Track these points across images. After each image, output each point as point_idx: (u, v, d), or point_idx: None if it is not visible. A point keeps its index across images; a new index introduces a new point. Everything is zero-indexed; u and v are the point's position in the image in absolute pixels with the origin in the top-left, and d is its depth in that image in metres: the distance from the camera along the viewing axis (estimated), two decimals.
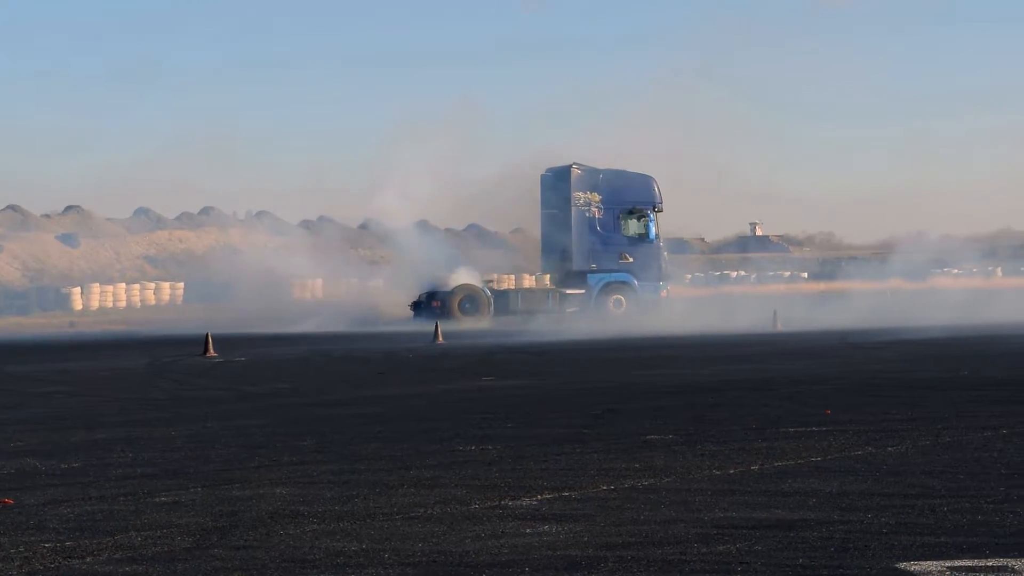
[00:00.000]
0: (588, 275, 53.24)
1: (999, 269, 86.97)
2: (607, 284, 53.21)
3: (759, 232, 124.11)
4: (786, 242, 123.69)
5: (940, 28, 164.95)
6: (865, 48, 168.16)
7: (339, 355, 33.08)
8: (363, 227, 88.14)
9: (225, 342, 36.69)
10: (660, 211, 53.74)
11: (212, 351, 32.38)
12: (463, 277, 53.90)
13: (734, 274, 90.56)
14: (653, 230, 53.61)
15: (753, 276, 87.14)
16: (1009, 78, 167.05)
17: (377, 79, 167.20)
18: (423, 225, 64.50)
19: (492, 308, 53.19)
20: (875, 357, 27.46)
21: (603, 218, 53.39)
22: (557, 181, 54.48)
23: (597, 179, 53.83)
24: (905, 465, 11.65)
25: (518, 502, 10.17)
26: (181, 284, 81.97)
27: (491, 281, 55.67)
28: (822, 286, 69.69)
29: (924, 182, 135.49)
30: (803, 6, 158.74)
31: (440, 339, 36.85)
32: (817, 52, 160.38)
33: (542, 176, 55.21)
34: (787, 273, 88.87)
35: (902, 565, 7.81)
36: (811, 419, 15.36)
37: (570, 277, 53.69)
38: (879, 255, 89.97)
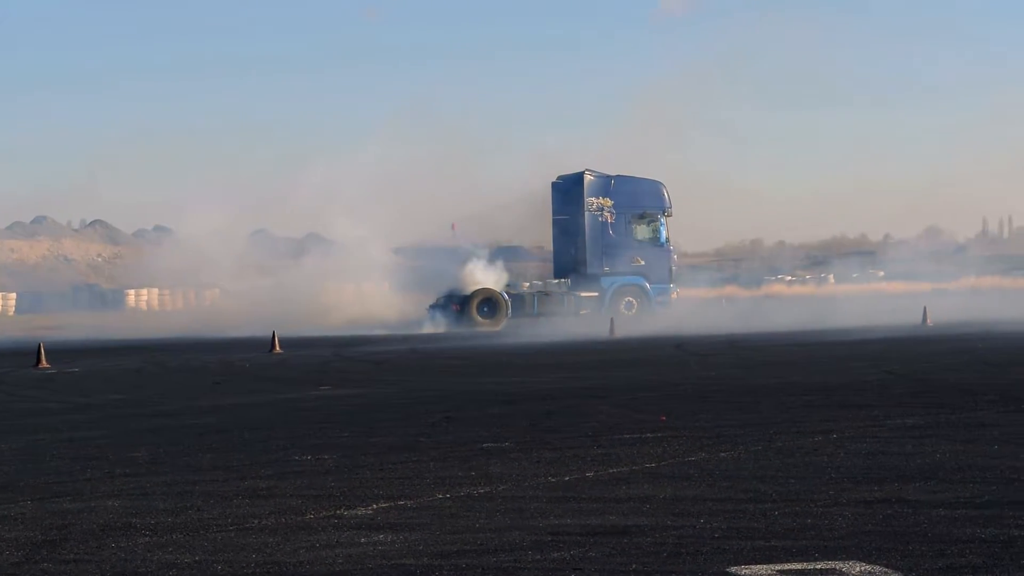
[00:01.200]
0: (601, 278, 54.44)
1: (831, 276, 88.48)
2: (620, 287, 54.50)
3: None
4: None
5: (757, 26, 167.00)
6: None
7: (175, 365, 32.69)
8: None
9: (58, 353, 36.08)
10: (670, 215, 55.05)
11: (45, 362, 31.81)
12: (481, 281, 54.33)
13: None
14: (664, 234, 55.00)
15: None
16: (843, 77, 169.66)
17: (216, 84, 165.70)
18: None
19: (509, 311, 53.88)
20: (710, 363, 27.78)
21: (615, 223, 54.62)
22: (570, 187, 55.46)
23: (609, 185, 55.00)
24: (738, 470, 11.81)
25: (353, 511, 10.14)
26: (13, 295, 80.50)
27: (512, 286, 55.72)
28: None
29: (762, 190, 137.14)
30: None
31: (278, 348, 36.58)
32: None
33: (553, 183, 56.27)
34: None
35: (733, 569, 7.93)
36: (646, 425, 15.51)
37: (584, 280, 54.64)
38: (715, 262, 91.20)
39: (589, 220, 54.41)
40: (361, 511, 10.16)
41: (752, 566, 7.99)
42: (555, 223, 55.97)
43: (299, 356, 34.63)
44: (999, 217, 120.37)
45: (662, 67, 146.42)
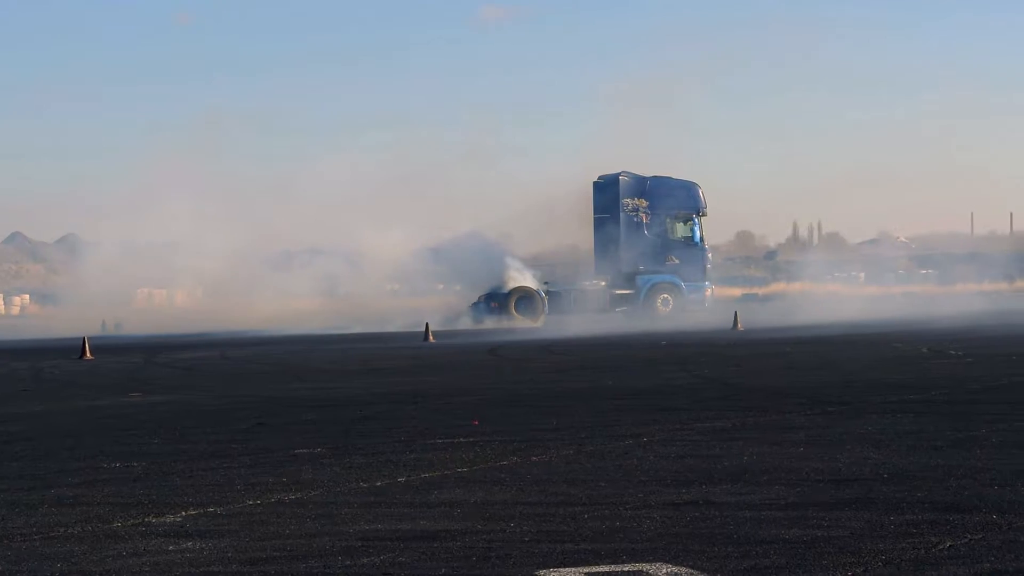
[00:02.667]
0: (637, 276, 56.49)
1: None
2: (655, 285, 56.44)
3: None
4: None
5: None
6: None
7: None
8: (8, 241, 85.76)
9: None
10: (704, 215, 57.16)
11: None
12: (520, 279, 56.84)
13: None
14: (698, 233, 57.00)
15: None
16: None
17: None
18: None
19: (546, 308, 56.19)
20: (524, 368, 27.93)
21: (650, 222, 56.75)
22: (607, 188, 57.51)
23: (644, 186, 57.10)
24: (548, 474, 11.89)
25: (162, 519, 10.02)
26: None
27: (551, 284, 58.29)
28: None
29: None
30: None
31: (88, 355, 35.98)
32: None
33: (594, 183, 58.26)
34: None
35: (541, 572, 7.98)
36: (459, 430, 15.54)
37: (620, 278, 56.72)
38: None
39: (625, 220, 56.60)
40: (170, 518, 10.04)
41: (560, 569, 8.05)
42: (595, 222, 58.08)
43: (109, 363, 34.10)
44: (808, 222, 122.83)
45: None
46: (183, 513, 10.26)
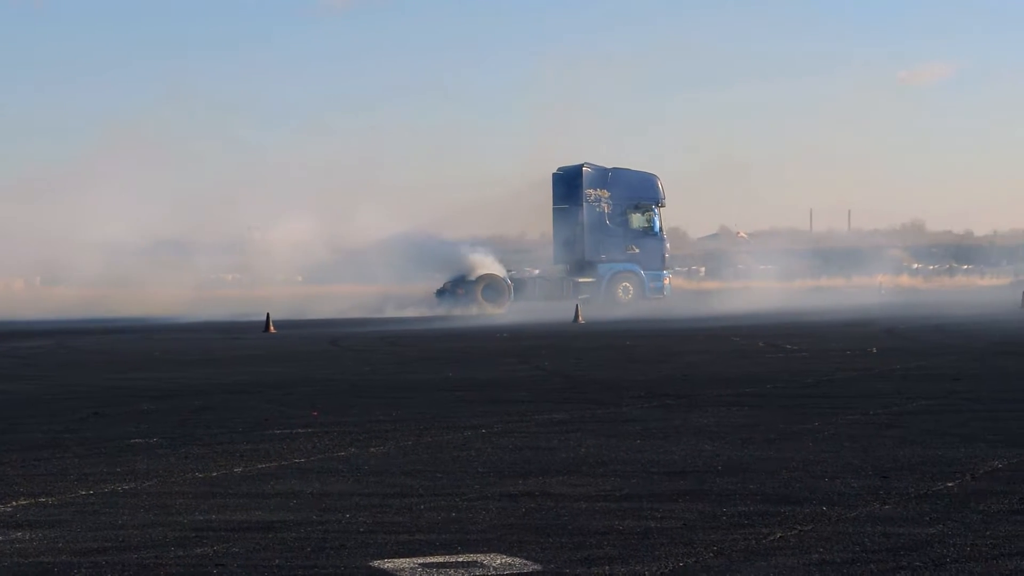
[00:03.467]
0: (599, 265, 57.60)
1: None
2: (616, 273, 57.67)
3: None
4: None
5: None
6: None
7: None
8: None
9: None
10: (663, 207, 58.48)
11: None
12: (486, 267, 57.20)
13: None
14: (657, 224, 58.37)
15: None
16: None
17: None
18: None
19: (512, 295, 56.85)
20: (364, 359, 27.85)
21: (611, 213, 57.77)
22: (569, 179, 58.53)
23: (606, 177, 58.14)
24: (386, 465, 11.88)
25: None
26: None
27: (515, 271, 59.19)
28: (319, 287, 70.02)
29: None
30: None
31: None
32: None
33: (554, 174, 59.29)
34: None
35: (376, 563, 7.98)
36: (298, 421, 15.48)
37: (583, 267, 57.84)
38: None
39: (587, 210, 57.56)
40: (0, 509, 9.88)
41: (396, 560, 8.06)
42: (555, 212, 59.26)
43: None
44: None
45: None
46: (14, 503, 10.10)
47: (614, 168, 58.78)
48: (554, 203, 59.53)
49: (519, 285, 57.89)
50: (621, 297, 57.34)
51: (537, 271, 60.05)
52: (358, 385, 20.91)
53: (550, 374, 22.61)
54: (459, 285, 56.89)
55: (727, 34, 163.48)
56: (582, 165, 58.46)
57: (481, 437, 13.75)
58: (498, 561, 7.98)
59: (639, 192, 58.51)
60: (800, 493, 10.07)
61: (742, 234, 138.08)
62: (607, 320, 45.60)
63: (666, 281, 58.90)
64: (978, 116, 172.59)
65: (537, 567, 7.86)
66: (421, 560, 8.03)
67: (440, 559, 8.06)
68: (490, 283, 56.91)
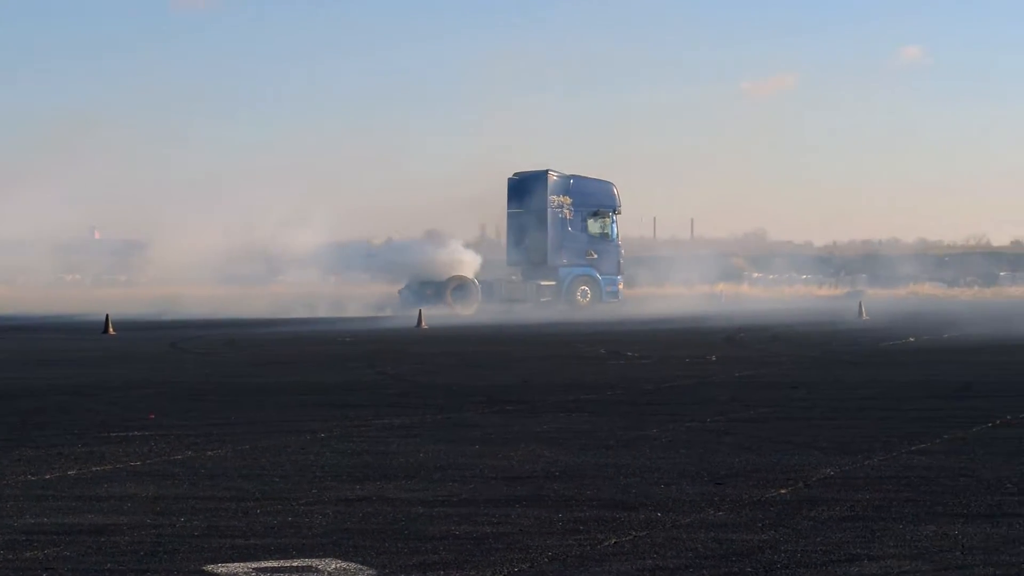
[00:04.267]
0: (560, 268, 59.63)
1: None
2: (576, 277, 59.71)
3: None
4: None
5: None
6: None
7: None
8: None
9: None
10: (619, 213, 60.60)
11: None
12: (455, 268, 59.17)
13: None
14: (614, 230, 60.48)
15: None
16: None
17: None
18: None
19: (480, 296, 58.76)
20: (205, 362, 27.59)
21: (572, 219, 59.79)
22: (531, 184, 60.33)
23: (568, 184, 60.07)
24: (223, 469, 11.79)
25: None
26: None
27: (482, 274, 60.47)
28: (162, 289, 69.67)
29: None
30: None
31: None
32: None
33: (512, 180, 61.04)
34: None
35: (209, 567, 7.91)
36: (135, 424, 15.29)
37: (544, 270, 59.71)
38: None
39: (551, 215, 59.46)
40: None
41: (229, 564, 8.00)
42: (510, 217, 61.15)
43: None
44: (496, 225, 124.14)
45: None
46: None
47: (575, 176, 60.69)
48: (508, 207, 61.20)
49: (486, 287, 59.56)
50: (579, 300, 59.22)
51: (496, 275, 61.32)
52: (196, 388, 20.70)
53: (392, 379, 22.57)
54: (428, 286, 58.35)
55: (569, 41, 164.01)
56: (546, 171, 60.10)
57: (320, 441, 13.69)
58: (333, 566, 7.95)
59: (598, 199, 60.45)
60: (636, 499, 10.16)
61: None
62: (450, 326, 45.63)
63: (620, 286, 61.04)
64: (820, 127, 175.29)
65: (372, 572, 7.85)
66: (255, 564, 7.98)
67: (274, 563, 8.02)
68: (460, 284, 58.63)
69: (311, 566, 7.95)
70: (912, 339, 33.95)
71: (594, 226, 60.33)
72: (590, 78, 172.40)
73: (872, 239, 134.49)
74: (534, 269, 59.97)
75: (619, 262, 60.93)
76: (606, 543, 8.58)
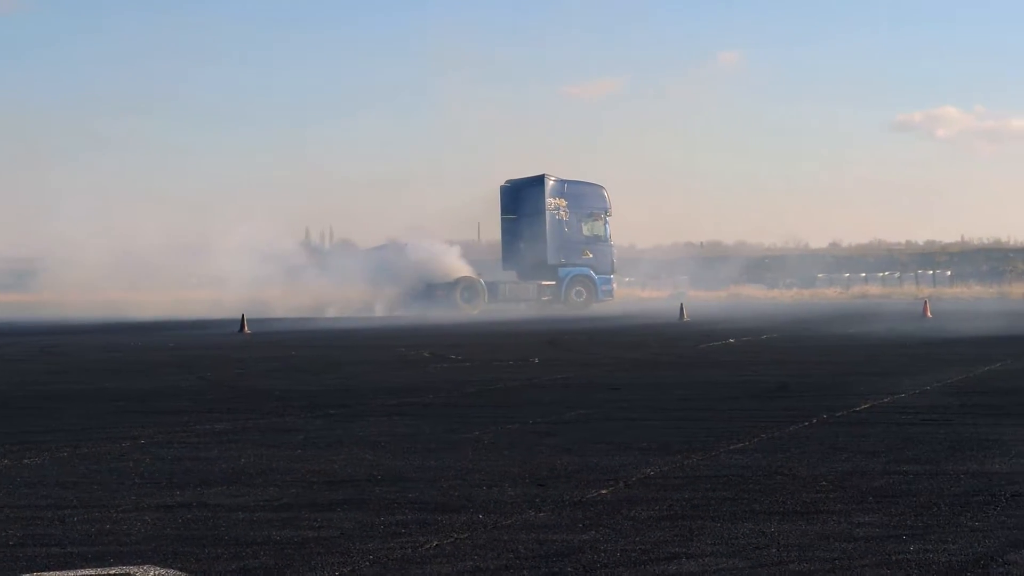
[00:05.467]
0: (559, 269, 63.64)
1: None
2: (573, 277, 63.75)
3: None
4: None
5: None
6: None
7: None
8: None
9: None
10: (611, 215, 64.58)
11: None
12: (462, 271, 63.01)
13: None
14: (607, 231, 64.57)
15: None
16: None
17: None
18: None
19: (487, 297, 62.51)
20: (14, 369, 27.10)
21: (568, 220, 63.73)
22: (527, 189, 64.23)
23: (563, 187, 63.94)
24: (40, 477, 11.60)
25: None
26: None
27: (488, 275, 64.14)
28: None
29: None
30: None
31: None
32: None
33: (502, 187, 64.77)
34: None
35: None
36: None
37: (544, 271, 63.63)
38: None
39: (549, 218, 63.29)
40: None
41: (46, 573, 7.88)
42: (504, 222, 65.07)
43: None
44: (320, 228, 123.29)
45: None
46: None
47: (569, 180, 64.20)
48: (502, 213, 64.94)
49: (491, 288, 63.13)
50: (575, 299, 62.85)
51: (499, 276, 64.96)
52: (8, 395, 20.32)
53: (213, 383, 22.37)
54: (438, 288, 61.96)
55: (391, 48, 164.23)
56: (543, 176, 63.44)
57: (140, 448, 13.53)
58: (151, 573, 7.87)
59: (591, 201, 64.26)
60: (458, 502, 10.19)
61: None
62: (272, 331, 45.33)
63: (614, 284, 65.17)
64: (639, 132, 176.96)
65: None
66: (72, 573, 7.87)
67: (92, 571, 7.91)
68: (468, 285, 62.31)
69: (129, 573, 7.86)
70: (732, 340, 34.47)
71: (589, 227, 63.92)
72: (403, 81, 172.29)
73: (693, 241, 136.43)
74: (532, 271, 63.50)
75: (612, 261, 64.64)
76: (427, 545, 8.60)
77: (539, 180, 63.99)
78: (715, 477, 11.34)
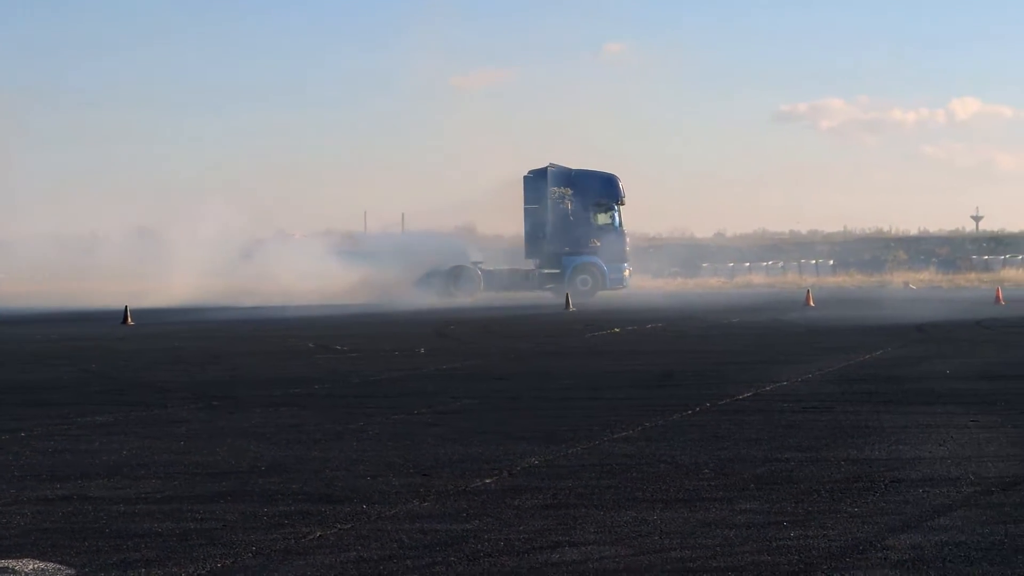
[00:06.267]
0: (563, 257, 63.42)
1: None
2: (578, 265, 63.39)
3: None
4: None
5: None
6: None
7: None
8: None
9: None
10: (623, 204, 63.98)
11: None
12: (459, 259, 63.29)
13: None
14: (618, 219, 63.77)
15: None
16: None
17: None
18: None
19: (483, 285, 63.14)
20: None
21: (574, 209, 63.41)
22: (536, 179, 64.14)
23: (570, 176, 64.01)
24: None
25: None
26: None
27: (481, 262, 64.48)
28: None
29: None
30: None
31: None
32: None
33: (525, 177, 64.61)
34: None
35: None
36: None
37: (549, 259, 63.59)
38: None
39: (552, 207, 63.53)
40: None
41: None
42: (526, 211, 64.79)
43: None
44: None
45: None
46: None
47: (577, 169, 64.40)
48: (525, 203, 64.82)
49: (488, 276, 63.62)
50: (580, 287, 62.59)
51: (506, 266, 64.83)
52: None
53: (96, 375, 22.14)
54: (434, 275, 62.33)
55: (274, 48, 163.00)
56: (548, 166, 63.88)
57: (19, 441, 13.37)
58: (31, 566, 7.79)
59: (600, 190, 63.81)
60: (342, 492, 10.18)
61: (298, 235, 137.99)
62: (158, 323, 44.91)
63: (626, 272, 64.29)
64: (524, 123, 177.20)
65: (71, 571, 7.71)
66: None
67: None
68: (462, 273, 62.79)
69: (8, 567, 7.77)
70: (617, 330, 34.65)
71: (598, 216, 63.85)
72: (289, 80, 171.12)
73: None
74: (544, 260, 63.79)
75: (624, 250, 64.19)
76: (310, 536, 8.59)
77: (543, 170, 64.69)
78: (599, 466, 11.40)
